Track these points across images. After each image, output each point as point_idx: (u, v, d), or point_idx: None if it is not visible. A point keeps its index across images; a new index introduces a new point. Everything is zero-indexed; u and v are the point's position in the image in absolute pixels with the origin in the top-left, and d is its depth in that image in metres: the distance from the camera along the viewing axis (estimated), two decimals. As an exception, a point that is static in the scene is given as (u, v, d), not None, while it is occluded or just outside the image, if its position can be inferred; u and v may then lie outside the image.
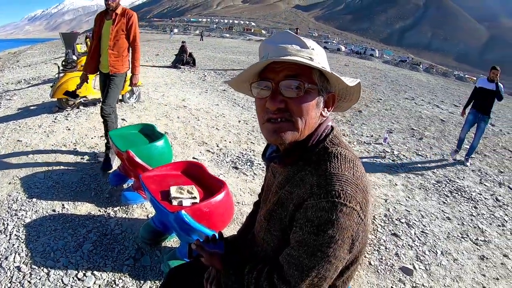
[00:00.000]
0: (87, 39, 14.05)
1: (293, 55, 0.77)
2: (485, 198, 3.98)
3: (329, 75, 0.82)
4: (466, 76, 40.31)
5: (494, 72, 5.00)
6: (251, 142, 4.68)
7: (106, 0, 3.08)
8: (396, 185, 3.98)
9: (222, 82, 9.27)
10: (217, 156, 4.04)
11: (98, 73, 3.42)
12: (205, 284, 1.03)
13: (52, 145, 3.82)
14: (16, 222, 2.35)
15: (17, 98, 5.79)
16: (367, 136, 5.83)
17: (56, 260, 2.02)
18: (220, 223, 1.94)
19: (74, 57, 7.81)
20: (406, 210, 3.37)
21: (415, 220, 3.18)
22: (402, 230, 2.97)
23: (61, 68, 6.18)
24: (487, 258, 2.75)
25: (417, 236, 2.91)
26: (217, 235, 1.18)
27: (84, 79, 3.40)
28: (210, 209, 1.86)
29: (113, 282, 1.91)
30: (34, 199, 2.65)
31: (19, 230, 2.27)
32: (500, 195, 4.14)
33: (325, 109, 0.87)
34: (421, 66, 39.24)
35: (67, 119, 4.74)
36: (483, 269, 2.61)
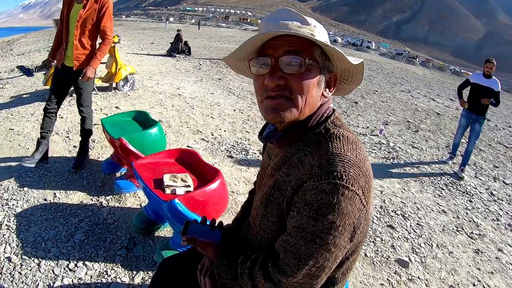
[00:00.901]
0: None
1: (294, 31, 0.72)
2: (480, 192, 3.99)
3: (332, 52, 0.77)
4: (462, 71, 40.45)
5: (488, 66, 4.40)
6: (246, 131, 4.64)
7: None
8: (391, 176, 3.97)
9: (218, 71, 9.16)
10: (212, 145, 3.99)
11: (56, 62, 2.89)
12: (198, 275, 0.99)
13: (44, 133, 3.72)
14: (7, 211, 2.29)
15: (9, 86, 5.65)
16: (363, 128, 5.81)
17: (47, 251, 1.97)
18: (214, 212, 1.88)
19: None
20: (401, 202, 3.36)
21: (410, 212, 3.17)
22: (397, 222, 2.96)
23: None
24: (482, 252, 2.76)
25: (412, 228, 2.91)
26: (216, 222, 1.13)
27: (46, 65, 3.02)
28: (205, 198, 1.81)
29: (105, 273, 1.87)
30: (26, 188, 2.58)
31: (9, 220, 2.21)
32: (495, 190, 4.16)
33: (327, 89, 0.83)
34: (417, 59, 39.30)
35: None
36: (478, 262, 2.62)
